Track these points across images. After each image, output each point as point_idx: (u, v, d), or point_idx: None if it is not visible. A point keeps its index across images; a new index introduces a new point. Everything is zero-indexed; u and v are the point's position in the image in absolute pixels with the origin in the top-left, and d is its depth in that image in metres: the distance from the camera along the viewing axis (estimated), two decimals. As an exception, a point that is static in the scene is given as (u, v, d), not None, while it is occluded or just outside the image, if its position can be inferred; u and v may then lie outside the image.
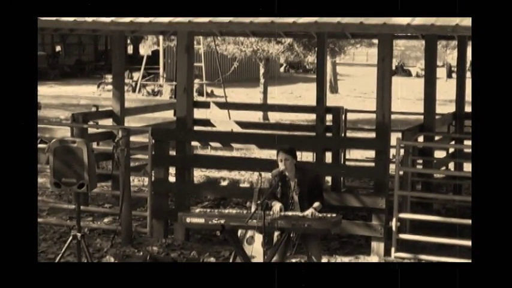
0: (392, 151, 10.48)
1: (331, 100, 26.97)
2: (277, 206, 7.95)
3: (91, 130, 12.67)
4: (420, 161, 12.34)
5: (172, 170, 11.35)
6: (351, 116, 15.48)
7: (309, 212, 7.86)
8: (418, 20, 8.63)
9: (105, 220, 11.57)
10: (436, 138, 12.68)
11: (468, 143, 13.39)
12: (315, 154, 13.61)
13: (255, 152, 16.68)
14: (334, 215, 7.96)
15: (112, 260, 9.64)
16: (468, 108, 14.59)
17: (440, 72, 40.91)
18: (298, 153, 8.47)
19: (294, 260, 8.96)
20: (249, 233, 8.37)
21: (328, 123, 13.88)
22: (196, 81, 29.03)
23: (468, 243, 9.53)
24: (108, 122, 13.06)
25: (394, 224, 9.85)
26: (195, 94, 26.46)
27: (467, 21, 8.48)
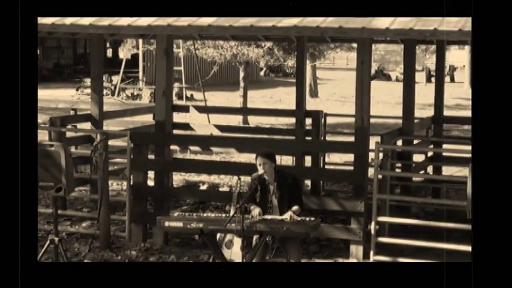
0: (371, 155, 10.50)
1: (311, 104, 27.04)
2: (256, 210, 7.95)
3: (69, 134, 12.61)
4: (399, 165, 12.36)
5: (151, 174, 11.32)
6: (330, 120, 15.50)
7: (287, 215, 7.87)
8: (396, 24, 8.65)
9: (83, 224, 11.52)
10: (415, 142, 12.71)
11: (447, 146, 13.47)
12: (294, 158, 13.62)
13: (235, 156, 16.68)
14: (312, 218, 7.97)
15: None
16: (447, 112, 14.72)
17: (420, 77, 41.11)
18: (277, 157, 8.47)
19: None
20: (228, 236, 8.37)
21: (307, 127, 13.89)
22: (176, 85, 29.01)
23: (446, 246, 9.61)
24: (87, 125, 13.00)
25: (372, 227, 9.86)
26: (174, 98, 26.49)
27: (445, 26, 8.52)
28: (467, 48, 45.10)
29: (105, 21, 9.49)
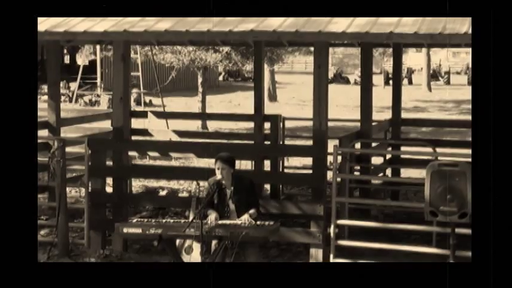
0: (330, 158, 10.53)
1: (270, 108, 27.07)
2: (212, 215, 7.94)
3: (26, 141, 12.47)
4: (358, 168, 12.41)
5: (109, 181, 11.25)
6: (289, 124, 15.54)
7: (243, 219, 7.87)
8: (353, 28, 8.70)
9: (42, 232, 11.41)
10: (373, 144, 12.78)
11: (405, 149, 13.55)
12: (253, 162, 13.62)
13: (194, 161, 16.64)
14: (271, 222, 7.98)
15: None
16: (405, 115, 14.82)
17: (378, 80, 41.39)
18: (237, 162, 8.47)
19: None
20: (187, 242, 8.34)
21: (266, 131, 13.90)
22: (134, 90, 28.87)
23: (405, 248, 9.66)
24: (44, 132, 12.89)
25: (332, 230, 9.89)
26: (133, 104, 26.38)
27: (400, 29, 8.58)
28: (424, 50, 45.57)
29: (61, 27, 9.45)
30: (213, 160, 8.37)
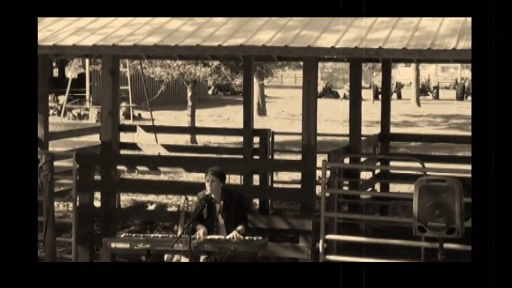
0: (319, 173, 10.52)
1: (260, 122, 27.09)
2: (201, 230, 7.92)
3: (14, 155, 12.41)
4: (346, 182, 12.40)
5: (98, 195, 11.21)
6: (278, 138, 15.51)
7: (231, 236, 7.86)
8: (342, 43, 8.73)
9: (29, 246, 11.35)
10: (362, 159, 12.77)
11: (393, 163, 13.56)
12: (242, 177, 13.60)
13: (183, 176, 16.61)
14: (260, 237, 7.96)
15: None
16: (394, 130, 14.83)
17: (367, 94, 41.44)
18: (226, 176, 8.45)
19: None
20: (176, 257, 8.31)
21: (255, 146, 13.89)
22: (123, 104, 28.84)
23: (394, 262, 9.64)
24: (32, 146, 12.82)
25: (321, 245, 9.86)
26: (122, 117, 26.32)
27: (389, 44, 8.60)
28: (413, 65, 45.70)
29: (50, 41, 9.43)
30: (202, 174, 8.35)
